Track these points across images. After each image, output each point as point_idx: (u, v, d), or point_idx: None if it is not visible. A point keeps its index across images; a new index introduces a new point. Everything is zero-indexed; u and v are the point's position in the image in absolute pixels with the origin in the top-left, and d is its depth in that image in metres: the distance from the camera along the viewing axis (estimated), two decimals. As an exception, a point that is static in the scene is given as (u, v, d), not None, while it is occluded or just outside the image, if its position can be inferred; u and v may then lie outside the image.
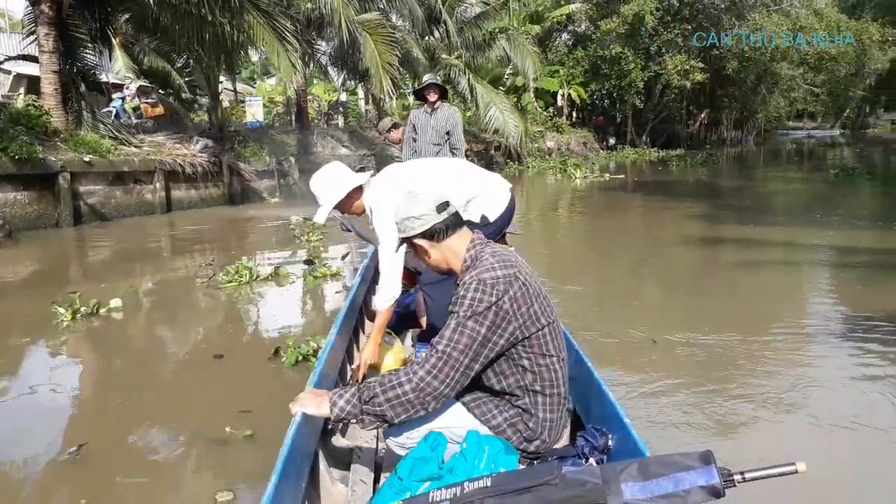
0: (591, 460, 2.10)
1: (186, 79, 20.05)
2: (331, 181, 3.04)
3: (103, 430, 3.52)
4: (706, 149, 37.10)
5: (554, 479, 1.61)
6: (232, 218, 12.49)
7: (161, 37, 14.62)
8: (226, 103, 24.53)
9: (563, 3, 32.20)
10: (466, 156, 6.87)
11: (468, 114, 23.78)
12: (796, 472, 1.48)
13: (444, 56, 21.93)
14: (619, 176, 21.45)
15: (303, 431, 2.04)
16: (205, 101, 23.09)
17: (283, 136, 18.43)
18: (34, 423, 3.65)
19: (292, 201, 14.85)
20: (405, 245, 2.22)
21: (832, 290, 6.36)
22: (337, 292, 6.36)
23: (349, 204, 3.07)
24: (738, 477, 1.51)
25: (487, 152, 24.41)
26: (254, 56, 25.37)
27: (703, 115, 41.41)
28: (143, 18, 13.02)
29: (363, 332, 4.01)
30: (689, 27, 31.37)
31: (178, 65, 19.38)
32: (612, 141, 35.94)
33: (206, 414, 3.65)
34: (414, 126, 5.98)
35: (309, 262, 7.06)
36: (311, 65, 19.94)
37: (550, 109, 31.71)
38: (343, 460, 2.54)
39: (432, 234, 2.10)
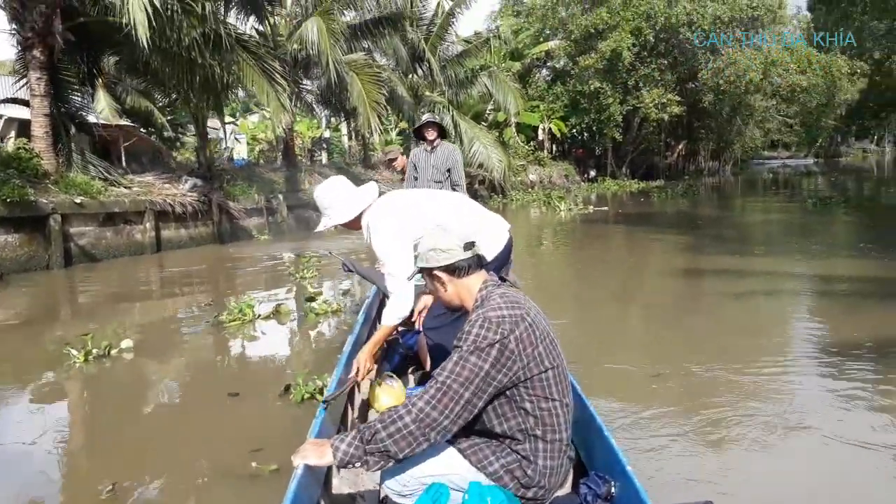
0: None
1: (169, 117, 20.11)
2: (343, 198, 3.13)
3: (129, 468, 3.54)
4: (685, 179, 37.77)
5: (555, 532, 1.63)
6: (223, 257, 12.51)
7: (150, 78, 14.78)
8: (230, 142, 24.52)
9: (542, 40, 32.98)
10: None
11: (452, 148, 24.07)
12: None
13: (427, 93, 22.30)
14: (603, 208, 21.77)
15: (304, 483, 2.03)
16: (187, 139, 23.27)
17: (270, 173, 18.58)
18: (62, 463, 3.70)
19: (281, 238, 14.96)
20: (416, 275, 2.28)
21: (816, 318, 6.55)
22: (338, 329, 6.44)
23: (351, 220, 3.16)
24: None
25: (472, 186, 24.69)
26: (240, 93, 25.51)
27: (681, 147, 42.23)
28: (134, 61, 13.13)
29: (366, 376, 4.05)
30: (666, 61, 32.25)
31: (161, 104, 19.42)
32: (592, 173, 36.45)
33: (228, 450, 3.70)
34: (415, 165, 6.07)
35: (310, 299, 7.16)
36: (298, 104, 20.18)
37: (532, 143, 32.27)
38: None
39: (454, 270, 2.19)
